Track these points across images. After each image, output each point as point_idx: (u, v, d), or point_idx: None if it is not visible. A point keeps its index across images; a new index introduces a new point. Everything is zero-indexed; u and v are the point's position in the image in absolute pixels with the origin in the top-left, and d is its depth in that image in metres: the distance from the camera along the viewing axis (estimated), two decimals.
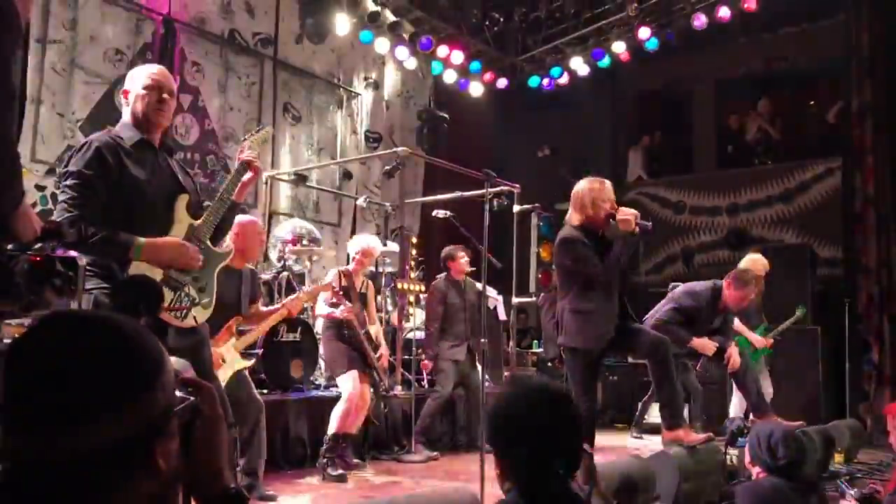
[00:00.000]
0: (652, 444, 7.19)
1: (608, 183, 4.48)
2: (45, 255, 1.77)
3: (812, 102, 11.51)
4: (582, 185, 4.50)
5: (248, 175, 3.26)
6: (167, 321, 2.85)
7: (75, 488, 0.84)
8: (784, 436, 2.97)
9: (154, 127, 3.04)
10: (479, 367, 5.54)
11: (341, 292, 5.37)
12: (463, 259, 6.54)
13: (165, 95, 3.03)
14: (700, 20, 9.63)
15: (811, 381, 7.76)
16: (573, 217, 4.49)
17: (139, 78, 3.03)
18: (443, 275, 6.71)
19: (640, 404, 8.20)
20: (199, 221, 3.06)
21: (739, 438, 4.42)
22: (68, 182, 2.80)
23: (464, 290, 6.56)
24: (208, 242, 3.09)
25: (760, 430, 3.06)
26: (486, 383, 6.56)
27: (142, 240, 2.82)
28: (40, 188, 6.90)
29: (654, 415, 7.90)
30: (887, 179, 8.86)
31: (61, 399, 0.84)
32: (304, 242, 7.29)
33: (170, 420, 0.94)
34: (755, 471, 3.08)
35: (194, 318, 2.95)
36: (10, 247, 1.81)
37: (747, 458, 3.15)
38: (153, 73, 3.07)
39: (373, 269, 7.14)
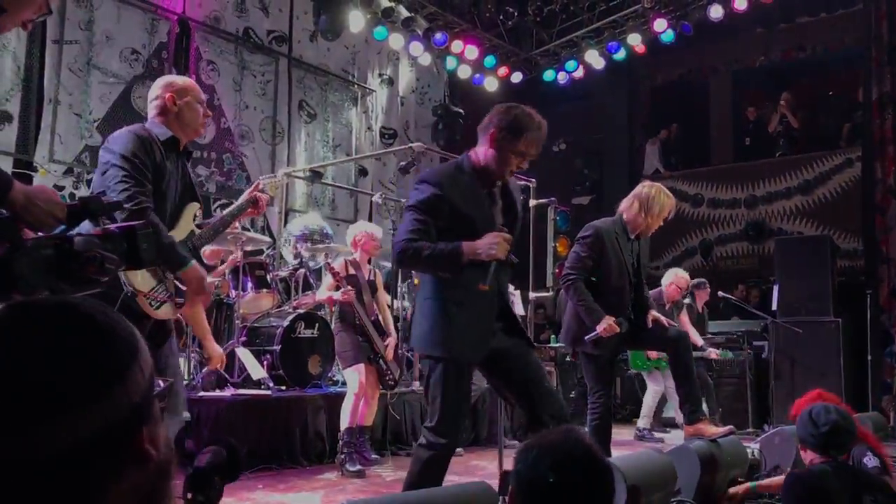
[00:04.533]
0: (670, 438, 7.17)
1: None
2: (53, 242, 1.59)
3: (831, 93, 11.40)
4: (662, 194, 4.41)
5: (249, 208, 3.44)
6: (142, 306, 2.83)
7: (62, 487, 0.77)
8: (824, 406, 2.93)
9: (190, 138, 3.18)
10: None
11: (344, 278, 5.37)
12: None
13: (209, 112, 3.24)
14: (716, 11, 9.55)
15: (832, 373, 7.68)
16: (629, 213, 4.46)
17: (193, 91, 3.13)
18: None
19: (653, 398, 8.17)
20: (199, 231, 3.18)
21: None
22: (118, 164, 2.81)
23: None
24: (201, 253, 3.19)
25: (804, 410, 3.01)
26: None
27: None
28: (58, 188, 6.95)
29: (669, 409, 7.89)
30: None
31: (29, 394, 0.77)
32: (316, 238, 7.31)
33: (153, 404, 0.87)
34: (808, 457, 3.01)
35: (163, 311, 2.94)
36: (39, 236, 1.71)
37: (799, 444, 3.09)
38: (199, 88, 3.21)
39: (389, 264, 7.15)
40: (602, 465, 1.61)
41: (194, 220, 3.13)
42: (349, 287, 5.35)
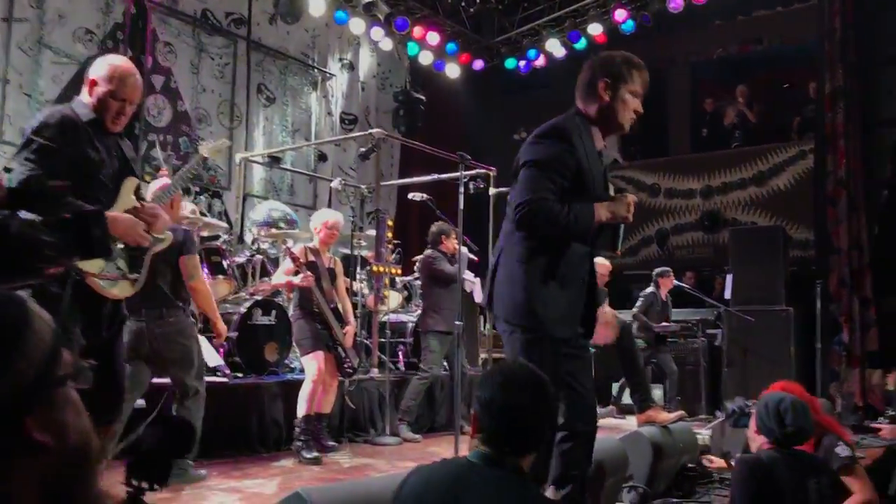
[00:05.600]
0: (629, 425, 7.27)
1: None
2: None
3: (786, 85, 11.59)
4: None
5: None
6: (93, 286, 2.81)
7: None
8: (794, 403, 2.92)
9: (108, 128, 3.03)
10: (458, 349, 5.54)
11: (304, 263, 5.33)
12: (454, 238, 6.43)
13: (128, 108, 3.02)
14: (676, 3, 9.65)
15: (783, 361, 7.86)
16: None
17: (115, 81, 2.96)
18: (430, 250, 6.62)
19: (617, 386, 8.27)
20: (144, 204, 3.09)
21: (742, 419, 4.23)
22: (31, 148, 2.79)
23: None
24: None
25: (770, 398, 2.99)
26: (465, 367, 6.59)
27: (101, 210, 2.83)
28: (7, 170, 6.76)
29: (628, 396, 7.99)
30: (858, 162, 8.95)
31: None
32: (281, 226, 7.25)
33: (47, 390, 0.82)
34: (760, 440, 3.02)
35: (118, 290, 2.92)
36: None
37: (752, 428, 3.05)
38: (132, 83, 3.01)
39: (348, 251, 7.11)
40: (550, 391, 1.94)
41: (137, 195, 3.06)
42: (308, 273, 5.32)
